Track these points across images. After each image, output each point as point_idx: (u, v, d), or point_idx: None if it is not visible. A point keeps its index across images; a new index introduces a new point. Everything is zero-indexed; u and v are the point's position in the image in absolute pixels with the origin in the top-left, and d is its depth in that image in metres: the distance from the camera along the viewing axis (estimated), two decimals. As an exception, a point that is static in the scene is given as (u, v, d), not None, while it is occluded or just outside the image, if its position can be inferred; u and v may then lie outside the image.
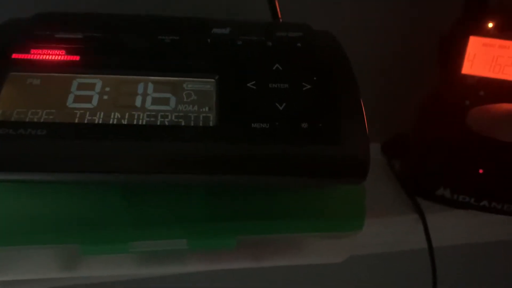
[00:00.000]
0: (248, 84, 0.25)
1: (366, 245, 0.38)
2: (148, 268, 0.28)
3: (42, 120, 0.22)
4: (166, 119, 0.23)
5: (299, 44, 0.27)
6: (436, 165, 0.38)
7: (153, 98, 0.24)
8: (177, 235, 0.26)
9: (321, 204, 0.28)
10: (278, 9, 0.35)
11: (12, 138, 0.21)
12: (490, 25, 0.35)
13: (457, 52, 0.36)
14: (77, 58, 0.25)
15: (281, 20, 0.35)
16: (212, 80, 0.25)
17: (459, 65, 0.36)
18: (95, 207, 0.25)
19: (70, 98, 0.24)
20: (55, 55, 0.25)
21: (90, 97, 0.24)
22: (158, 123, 0.23)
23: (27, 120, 0.22)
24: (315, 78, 0.25)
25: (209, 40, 0.27)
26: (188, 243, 0.27)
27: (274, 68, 0.25)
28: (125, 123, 0.23)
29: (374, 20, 0.43)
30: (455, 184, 0.37)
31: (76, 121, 0.22)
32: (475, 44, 0.35)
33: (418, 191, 0.39)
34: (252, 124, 0.23)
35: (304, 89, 0.25)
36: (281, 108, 0.24)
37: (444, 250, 0.40)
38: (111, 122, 0.23)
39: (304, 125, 0.23)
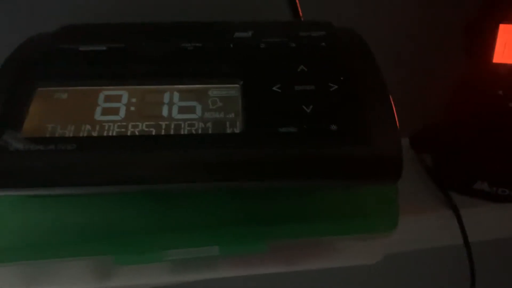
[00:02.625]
0: (274, 88, 0.24)
1: (400, 243, 0.37)
2: (181, 275, 0.28)
3: (71, 135, 0.22)
4: (193, 128, 0.23)
5: (323, 44, 0.27)
6: (474, 157, 0.37)
7: (179, 107, 0.24)
8: (209, 242, 0.26)
9: (353, 206, 0.27)
10: (299, 8, 0.34)
11: (43, 154, 0.22)
12: None
13: (487, 41, 0.35)
14: (102, 70, 0.25)
15: (302, 19, 0.34)
16: (237, 85, 0.25)
17: (490, 54, 0.35)
18: (128, 218, 0.26)
19: (98, 111, 0.24)
20: (81, 68, 0.25)
21: (117, 109, 0.24)
22: (186, 132, 0.23)
23: (56, 135, 0.22)
24: (341, 77, 0.25)
25: (231, 45, 0.27)
26: (220, 250, 0.27)
27: (299, 69, 0.25)
28: (153, 133, 0.23)
29: (393, 9, 0.42)
30: (494, 177, 0.36)
31: (105, 134, 0.23)
32: (505, 32, 0.34)
33: (453, 186, 0.38)
34: (279, 129, 0.23)
35: (331, 89, 0.24)
36: (308, 110, 0.23)
37: (481, 245, 0.39)
38: (139, 133, 0.23)
39: (333, 127, 0.22)
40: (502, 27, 0.34)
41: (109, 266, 0.27)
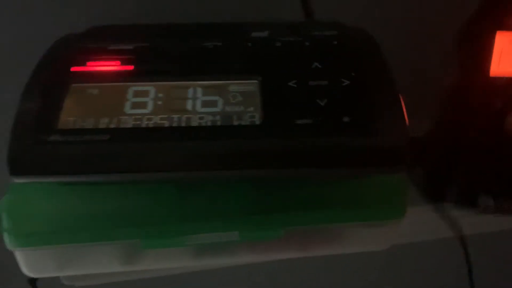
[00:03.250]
0: (290, 83, 0.26)
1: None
2: (202, 260, 0.30)
3: (104, 127, 0.24)
4: (216, 120, 0.25)
5: (335, 42, 0.28)
6: (476, 173, 0.36)
7: (202, 101, 0.26)
8: (230, 228, 0.28)
9: (364, 194, 0.29)
10: (311, 8, 0.36)
11: (78, 144, 0.24)
12: None
13: (482, 50, 0.33)
14: (130, 67, 0.27)
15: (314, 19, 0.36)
16: (255, 81, 0.27)
17: (486, 64, 0.33)
18: (154, 204, 0.28)
19: (127, 105, 0.26)
20: (110, 66, 0.27)
21: (145, 103, 0.26)
22: (209, 124, 0.25)
23: (90, 127, 0.24)
24: (353, 73, 0.26)
25: (249, 44, 0.29)
26: (240, 235, 0.28)
27: (313, 66, 0.27)
28: (179, 125, 0.25)
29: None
30: (498, 191, 0.35)
31: (135, 125, 0.25)
32: (502, 40, 0.32)
33: (454, 200, 0.37)
34: (296, 121, 0.24)
35: (343, 84, 0.26)
36: (322, 104, 0.25)
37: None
38: (166, 125, 0.25)
39: (346, 119, 0.24)
40: (500, 35, 0.32)
41: (135, 251, 0.29)
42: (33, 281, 0.42)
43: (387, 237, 0.31)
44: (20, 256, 0.29)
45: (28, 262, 0.29)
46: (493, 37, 0.32)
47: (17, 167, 0.24)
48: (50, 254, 0.29)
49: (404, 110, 0.25)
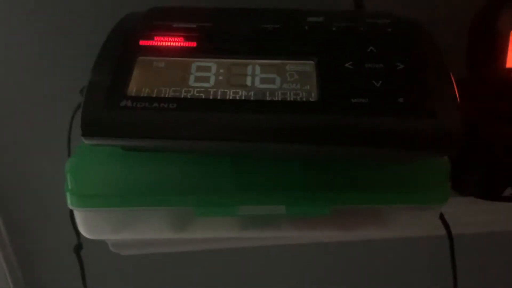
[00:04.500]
0: (346, 65, 0.27)
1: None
2: (249, 232, 0.32)
3: (171, 96, 0.26)
4: (274, 95, 0.26)
5: (389, 29, 0.29)
6: (502, 166, 0.36)
7: (261, 78, 0.27)
8: (278, 202, 0.30)
9: (408, 177, 0.30)
10: (362, 2, 0.37)
11: (148, 110, 0.25)
12: None
13: (499, 48, 0.34)
14: (194, 44, 0.29)
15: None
16: (312, 62, 0.28)
17: (502, 61, 0.34)
18: (207, 174, 0.29)
19: (191, 78, 0.27)
20: (175, 41, 0.29)
21: (208, 78, 0.27)
22: (267, 99, 0.26)
23: (158, 95, 0.26)
24: (407, 58, 0.27)
25: (306, 27, 0.30)
26: (287, 209, 0.30)
27: (368, 50, 0.28)
28: (240, 98, 0.26)
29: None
30: None
31: (199, 97, 0.26)
32: None
33: (479, 193, 0.37)
34: (352, 99, 0.26)
35: (398, 68, 0.27)
36: (377, 85, 0.26)
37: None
38: (228, 97, 0.26)
39: (401, 99, 0.25)
40: None
41: (187, 219, 0.31)
42: (78, 249, 0.45)
43: (429, 222, 0.32)
44: (79, 216, 0.31)
45: (86, 223, 0.31)
46: (509, 32, 0.33)
47: (89, 129, 0.26)
48: (107, 217, 0.31)
49: (457, 94, 0.26)
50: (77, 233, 0.41)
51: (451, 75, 0.26)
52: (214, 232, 0.32)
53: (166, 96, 0.26)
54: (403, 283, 0.61)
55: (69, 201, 0.30)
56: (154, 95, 0.26)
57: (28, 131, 0.47)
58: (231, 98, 0.26)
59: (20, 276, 0.56)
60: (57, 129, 0.41)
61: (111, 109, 0.26)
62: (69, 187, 0.30)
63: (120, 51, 0.29)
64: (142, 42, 0.29)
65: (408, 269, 0.59)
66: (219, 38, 0.29)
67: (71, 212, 0.33)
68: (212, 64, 0.28)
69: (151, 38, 0.29)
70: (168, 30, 0.30)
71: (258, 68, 0.28)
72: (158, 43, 0.29)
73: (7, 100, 0.46)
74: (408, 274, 0.60)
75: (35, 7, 0.42)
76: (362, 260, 0.58)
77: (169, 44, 0.29)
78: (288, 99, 0.26)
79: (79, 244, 0.45)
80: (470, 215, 0.39)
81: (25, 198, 0.51)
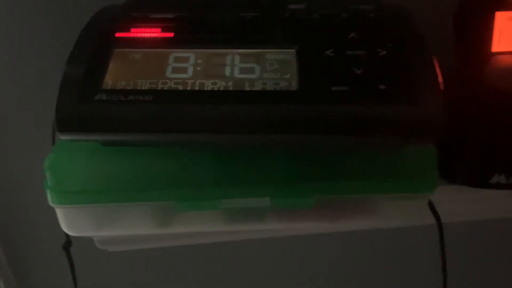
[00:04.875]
0: (326, 52, 0.27)
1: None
2: (233, 225, 0.31)
3: (147, 88, 0.25)
4: (253, 86, 0.26)
5: (372, 15, 0.29)
6: (489, 153, 0.35)
7: (240, 68, 0.27)
8: (261, 194, 0.29)
9: (395, 166, 0.29)
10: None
11: (123, 103, 0.25)
12: None
13: (482, 30, 0.34)
14: (171, 35, 0.28)
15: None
16: (292, 50, 0.27)
17: (487, 44, 0.34)
18: (189, 167, 0.29)
19: (169, 69, 0.27)
20: (152, 32, 0.28)
21: (186, 69, 0.27)
22: (247, 89, 0.26)
23: (134, 88, 0.25)
24: (389, 44, 0.27)
25: (287, 15, 0.29)
26: (271, 201, 0.29)
27: (350, 36, 0.27)
28: (218, 89, 0.25)
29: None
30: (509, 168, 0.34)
31: (176, 88, 0.25)
32: (501, 20, 0.33)
33: (466, 181, 0.36)
34: (332, 87, 0.25)
35: (380, 54, 0.26)
36: (358, 72, 0.25)
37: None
38: (206, 89, 0.25)
39: (382, 86, 0.25)
40: (499, 15, 0.33)
41: (169, 213, 0.30)
42: (67, 246, 0.44)
43: (417, 211, 0.31)
44: (61, 214, 0.30)
45: (67, 220, 0.31)
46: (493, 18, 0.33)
47: (64, 124, 0.25)
48: (88, 213, 0.30)
49: (440, 80, 0.25)
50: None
51: (434, 62, 0.26)
52: (198, 226, 0.31)
53: (142, 88, 0.25)
54: (393, 273, 0.61)
55: (49, 199, 0.30)
56: (130, 88, 0.25)
57: (13, 127, 0.47)
58: (209, 89, 0.26)
59: (11, 274, 0.56)
60: (43, 125, 0.40)
61: (85, 103, 0.25)
62: (49, 184, 0.29)
63: (96, 43, 0.28)
64: (118, 34, 0.28)
65: (398, 259, 0.59)
66: (197, 27, 0.29)
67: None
68: (190, 54, 0.27)
69: (127, 29, 0.29)
70: (145, 21, 0.29)
71: (237, 58, 0.27)
72: (135, 35, 0.28)
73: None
74: (398, 264, 0.60)
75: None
76: (350, 251, 0.57)
77: (145, 35, 0.28)
78: (268, 89, 0.26)
79: (68, 241, 0.44)
80: (459, 203, 0.38)
81: (13, 195, 0.51)
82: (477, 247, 0.58)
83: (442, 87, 0.25)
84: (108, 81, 0.26)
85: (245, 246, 0.55)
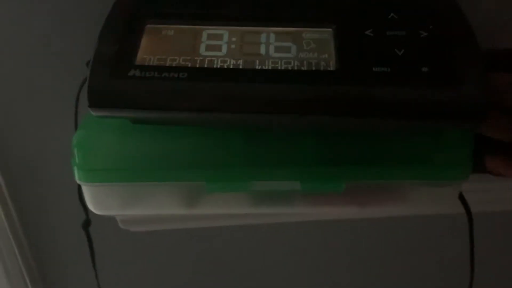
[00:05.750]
0: (366, 32, 0.26)
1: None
2: (261, 207, 0.31)
3: (181, 65, 0.25)
4: (289, 65, 0.25)
5: None
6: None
7: (275, 47, 0.26)
8: (292, 177, 0.28)
9: (428, 152, 0.28)
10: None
11: (158, 79, 0.24)
12: None
13: None
14: (204, 11, 0.27)
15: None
16: (330, 29, 0.26)
17: None
18: (221, 148, 0.28)
19: (202, 47, 0.26)
20: (185, 8, 0.28)
21: (220, 46, 0.26)
22: (283, 68, 0.25)
23: (167, 65, 0.25)
24: (431, 26, 0.26)
25: None
26: (301, 185, 0.29)
27: (389, 16, 0.26)
28: (253, 68, 0.25)
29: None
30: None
31: (211, 66, 0.25)
32: None
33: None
34: (373, 68, 0.24)
35: (421, 36, 0.25)
36: (400, 53, 0.25)
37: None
38: (241, 67, 0.25)
39: (424, 69, 0.24)
40: None
41: (197, 194, 0.30)
42: (86, 225, 0.44)
43: (448, 199, 0.31)
44: (87, 191, 0.30)
45: (94, 198, 0.30)
46: None
47: (96, 100, 0.24)
48: (116, 192, 0.30)
49: (484, 63, 0.24)
50: (85, 208, 0.40)
51: (478, 43, 0.25)
52: (226, 208, 0.31)
53: (176, 65, 0.25)
54: (418, 262, 0.60)
55: (76, 176, 0.29)
56: (164, 64, 0.25)
57: (35, 106, 0.46)
58: (244, 67, 0.25)
59: (29, 252, 0.56)
60: (65, 103, 0.40)
61: (118, 79, 0.24)
62: (77, 161, 0.29)
63: (128, 19, 0.27)
64: (150, 9, 0.28)
65: (424, 248, 0.58)
66: (231, 4, 0.28)
67: (79, 187, 0.32)
68: (224, 32, 0.27)
69: (159, 5, 0.28)
70: (178, -3, 0.28)
71: (272, 36, 0.27)
72: (167, 11, 0.28)
73: (12, 72, 0.44)
74: (424, 253, 0.59)
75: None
76: (375, 238, 0.57)
77: (178, 11, 0.28)
78: (305, 68, 0.25)
79: (88, 220, 0.44)
80: (492, 191, 0.38)
81: (33, 174, 0.51)
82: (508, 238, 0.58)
83: (485, 69, 0.24)
84: (141, 57, 0.25)
85: (269, 229, 0.55)
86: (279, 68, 0.25)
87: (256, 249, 0.59)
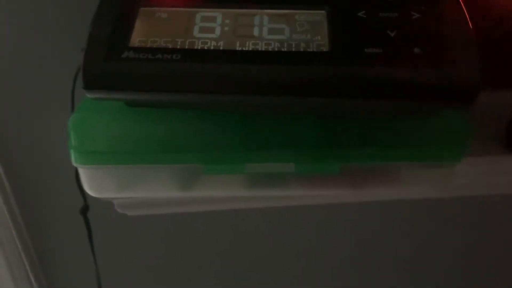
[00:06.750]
0: (359, 14, 0.26)
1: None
2: (258, 189, 0.31)
3: (175, 47, 0.25)
4: (283, 47, 0.25)
5: None
6: None
7: (269, 29, 0.26)
8: (287, 159, 0.29)
9: (422, 133, 0.29)
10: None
11: (151, 61, 0.24)
12: None
13: None
14: (198, -6, 0.27)
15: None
16: (323, 11, 0.26)
17: None
18: (216, 131, 0.28)
19: (196, 29, 0.26)
20: (179, -9, 0.28)
21: (213, 28, 0.26)
22: (276, 49, 0.25)
23: (161, 46, 0.25)
24: (423, 7, 0.26)
25: None
26: (296, 167, 0.29)
27: None
28: (247, 49, 0.25)
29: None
30: None
31: (204, 48, 0.25)
32: None
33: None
34: (366, 49, 0.24)
35: (413, 17, 0.25)
36: (392, 34, 0.25)
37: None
38: (234, 49, 0.25)
39: (417, 50, 0.24)
40: None
41: (194, 177, 0.30)
42: (84, 211, 0.45)
43: (443, 181, 0.31)
44: (84, 174, 0.30)
45: (91, 181, 0.31)
46: None
47: (90, 82, 0.25)
48: (112, 174, 0.30)
49: (476, 44, 0.24)
50: (83, 194, 0.40)
51: (470, 24, 0.25)
52: (222, 191, 0.31)
53: (170, 47, 0.25)
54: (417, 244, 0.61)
55: (73, 158, 0.29)
56: (158, 46, 0.25)
57: (31, 89, 0.47)
58: (238, 49, 0.25)
59: (28, 239, 0.57)
60: (61, 87, 0.40)
61: (113, 61, 0.25)
62: (73, 143, 0.29)
63: (121, 2, 0.27)
64: (143, -8, 0.28)
65: (422, 230, 0.59)
66: None
67: (77, 171, 0.32)
68: (217, 14, 0.27)
69: (153, -12, 0.28)
70: (171, -20, 0.28)
71: (266, 18, 0.27)
72: (160, -7, 0.28)
73: (9, 57, 0.45)
74: (421, 235, 0.60)
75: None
76: (372, 221, 0.57)
77: (172, -7, 0.28)
78: (298, 50, 0.25)
79: (86, 206, 0.44)
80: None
81: (30, 158, 0.51)
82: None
83: (478, 51, 0.24)
84: (135, 39, 0.25)
85: (266, 213, 0.55)
86: (273, 49, 0.25)
87: (256, 234, 0.60)
